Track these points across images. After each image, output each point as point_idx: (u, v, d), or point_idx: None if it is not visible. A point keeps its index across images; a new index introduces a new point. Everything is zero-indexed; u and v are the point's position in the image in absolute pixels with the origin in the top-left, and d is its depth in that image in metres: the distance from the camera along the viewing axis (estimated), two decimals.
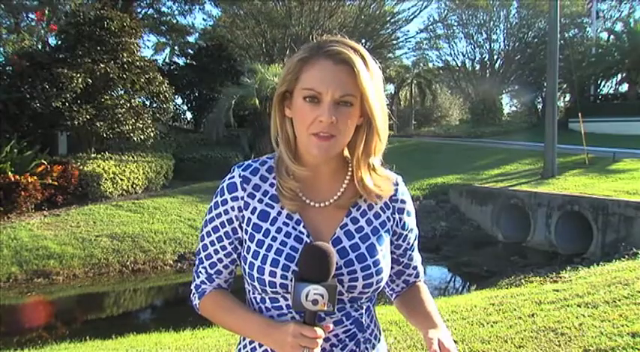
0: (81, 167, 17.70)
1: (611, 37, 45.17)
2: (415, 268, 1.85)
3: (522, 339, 5.12)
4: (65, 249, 14.09)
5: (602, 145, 26.44)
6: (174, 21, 38.90)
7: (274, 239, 1.55)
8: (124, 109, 19.67)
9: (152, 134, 20.82)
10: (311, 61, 1.55)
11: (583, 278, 8.54)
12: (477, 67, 53.01)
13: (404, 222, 1.77)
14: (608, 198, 14.94)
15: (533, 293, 7.21)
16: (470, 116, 53.98)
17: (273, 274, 1.53)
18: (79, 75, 18.04)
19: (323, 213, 1.62)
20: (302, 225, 1.58)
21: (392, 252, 1.73)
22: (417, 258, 1.85)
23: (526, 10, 47.22)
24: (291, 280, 1.45)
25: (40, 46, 21.71)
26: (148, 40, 40.99)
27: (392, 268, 1.73)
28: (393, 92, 63.15)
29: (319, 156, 1.52)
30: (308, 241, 1.54)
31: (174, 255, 14.94)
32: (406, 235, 1.77)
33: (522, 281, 10.81)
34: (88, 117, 18.35)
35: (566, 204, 15.92)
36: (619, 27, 45.88)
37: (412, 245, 1.82)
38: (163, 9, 37.43)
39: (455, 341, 5.28)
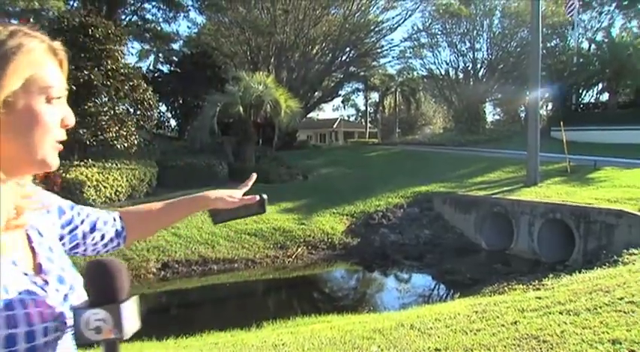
0: (64, 174, 17.53)
1: (592, 46, 45.77)
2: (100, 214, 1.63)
3: (505, 347, 5.15)
4: None
5: (583, 153, 26.72)
6: (159, 28, 38.91)
7: None
8: (107, 117, 19.59)
9: (136, 141, 20.74)
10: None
11: (565, 286, 8.61)
12: (461, 75, 53.41)
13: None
14: (590, 206, 15.09)
15: (516, 301, 7.25)
16: (454, 124, 54.37)
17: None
18: None
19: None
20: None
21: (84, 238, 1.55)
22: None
23: (509, 20, 47.78)
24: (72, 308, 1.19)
25: None
26: (133, 48, 40.91)
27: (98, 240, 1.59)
28: (377, 100, 63.55)
29: (56, 167, 1.26)
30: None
31: (158, 263, 14.85)
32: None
33: (505, 288, 10.88)
34: None
35: (549, 211, 16.05)
36: (600, 37, 46.52)
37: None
38: (148, 16, 37.46)
39: (438, 350, 5.31)
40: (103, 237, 1.60)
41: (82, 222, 1.54)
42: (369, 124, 69.25)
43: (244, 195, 1.83)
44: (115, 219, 1.65)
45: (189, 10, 38.24)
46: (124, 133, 19.93)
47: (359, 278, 17.00)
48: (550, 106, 53.80)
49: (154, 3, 35.92)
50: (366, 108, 72.83)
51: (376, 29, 45.66)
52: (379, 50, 48.55)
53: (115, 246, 1.66)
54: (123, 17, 34.66)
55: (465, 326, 6.09)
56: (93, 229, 1.57)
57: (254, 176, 1.86)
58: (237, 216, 1.86)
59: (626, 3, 46.61)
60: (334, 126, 73.46)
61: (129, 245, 1.75)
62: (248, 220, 18.28)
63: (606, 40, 42.45)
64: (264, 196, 1.83)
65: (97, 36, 19.67)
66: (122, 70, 20.61)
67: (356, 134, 70.21)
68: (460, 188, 22.23)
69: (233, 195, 1.81)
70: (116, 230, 1.64)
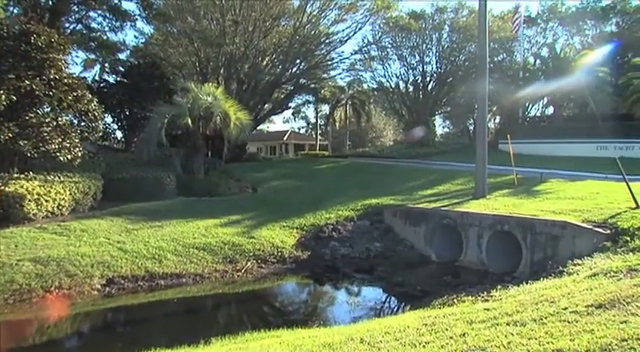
0: (2, 187, 16.96)
1: (538, 61, 47.28)
2: None
3: None
4: None
5: (530, 166, 27.51)
6: (105, 37, 38.12)
7: None
8: (50, 128, 19.08)
9: (80, 153, 20.26)
10: None
11: (512, 297, 8.81)
12: (411, 88, 54.25)
13: None
14: (536, 217, 15.50)
15: (465, 313, 7.37)
16: (404, 137, 55.15)
17: None
18: (1, 91, 17.40)
19: None
20: None
21: None
22: None
23: (457, 34, 48.90)
24: None
25: None
26: (77, 57, 39.94)
27: None
28: (328, 112, 63.89)
29: None
30: None
31: (103, 278, 14.47)
32: None
33: (455, 300, 11.04)
34: (10, 135, 17.68)
35: (497, 223, 16.42)
36: (545, 52, 48.12)
37: None
38: (93, 25, 36.64)
39: None
40: None
41: None
42: (319, 137, 69.55)
43: None
44: None
45: (136, 19, 37.61)
46: (68, 145, 19.44)
47: (309, 291, 16.95)
48: (498, 119, 55.29)
49: (99, 12, 35.21)
50: (317, 120, 73.23)
51: (326, 41, 46.02)
52: (329, 62, 48.92)
53: None
54: (67, 25, 33.87)
55: (414, 339, 6.16)
56: None
57: None
58: None
59: (568, 20, 48.54)
60: (284, 138, 73.54)
61: None
62: (196, 234, 18.08)
63: (550, 55, 43.90)
64: None
65: (39, 44, 19.18)
66: (66, 80, 20.11)
67: (306, 146, 70.43)
68: (410, 200, 22.52)
69: None
70: None
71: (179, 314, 14.07)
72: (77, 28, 35.59)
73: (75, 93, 20.34)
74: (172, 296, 14.47)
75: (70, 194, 19.04)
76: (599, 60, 38.21)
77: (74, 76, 21.84)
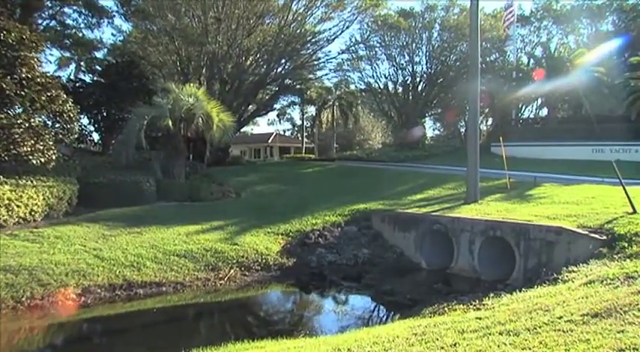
0: None
1: (532, 61, 47.53)
2: None
3: None
4: None
5: (523, 169, 27.67)
6: (80, 35, 37.93)
7: None
8: (21, 129, 18.87)
9: (54, 156, 20.06)
10: None
11: (505, 305, 8.82)
12: (400, 89, 54.37)
13: None
14: (530, 223, 15.58)
15: (456, 322, 7.36)
16: (393, 139, 55.23)
17: None
18: None
19: None
20: None
21: None
22: None
23: (448, 33, 49.05)
24: None
25: None
26: (51, 55, 39.82)
27: None
28: (314, 114, 63.88)
29: None
30: None
31: (78, 288, 14.32)
32: None
33: (446, 309, 11.04)
34: None
35: (489, 229, 16.47)
36: (539, 52, 48.41)
37: None
38: (68, 21, 36.43)
39: None
40: None
41: None
42: (305, 139, 69.56)
43: None
44: None
45: (114, 16, 37.50)
46: (41, 147, 19.25)
47: (295, 300, 16.90)
48: (490, 121, 55.56)
49: (74, 7, 35.01)
50: (303, 122, 73.19)
51: (313, 40, 46.05)
52: (316, 62, 48.98)
53: None
54: (40, 22, 33.65)
55: (403, 350, 6.13)
56: None
57: None
58: None
59: (562, 18, 48.76)
60: (269, 141, 73.48)
61: None
62: (177, 241, 17.97)
63: (545, 55, 44.16)
64: None
65: (10, 41, 18.97)
66: (39, 79, 19.93)
67: (292, 149, 70.41)
68: (399, 205, 22.55)
69: None
70: None
71: (159, 324, 13.95)
72: (51, 24, 35.39)
73: (49, 93, 20.16)
74: (152, 306, 14.35)
75: (44, 199, 18.84)
76: (595, 60, 38.51)
77: (48, 75, 21.64)
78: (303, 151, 63.34)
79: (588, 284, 8.69)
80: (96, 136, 35.51)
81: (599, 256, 11.83)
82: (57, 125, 21.54)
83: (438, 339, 6.38)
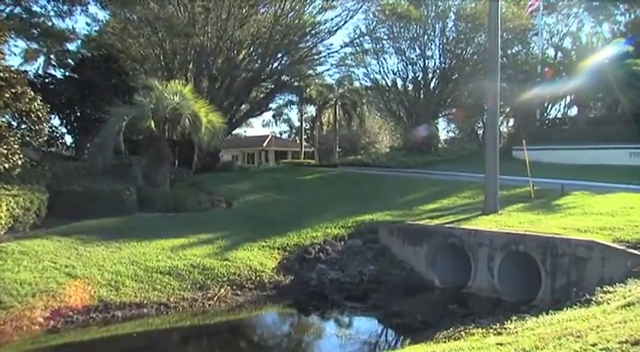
0: None
1: (559, 53, 47.21)
2: None
3: None
4: None
5: (549, 176, 27.55)
6: (50, 24, 37.79)
7: None
8: None
9: (20, 161, 19.94)
10: None
11: (530, 330, 8.71)
12: (410, 86, 54.25)
13: None
14: (557, 236, 15.46)
15: (474, 348, 7.28)
16: (402, 143, 55.15)
17: None
18: None
19: None
20: None
21: None
22: None
23: (464, 23, 48.78)
24: None
25: None
26: (16, 46, 39.72)
27: None
28: (314, 114, 63.93)
29: None
30: None
31: (46, 310, 14.23)
32: None
33: (462, 333, 10.94)
34: None
35: (511, 243, 16.35)
36: (567, 43, 48.09)
37: None
38: (35, 8, 36.18)
39: None
40: None
41: None
42: (304, 143, 69.64)
43: None
44: None
45: (89, 2, 37.39)
46: (5, 151, 19.14)
47: (293, 323, 16.86)
48: (511, 122, 55.44)
49: None
50: (301, 123, 73.35)
51: (312, 32, 46.07)
52: (316, 56, 49.01)
53: None
54: (2, 8, 33.57)
55: None
56: None
57: None
58: None
59: (596, 4, 48.10)
60: (264, 144, 73.55)
61: None
62: (160, 256, 17.90)
63: (574, 46, 43.86)
64: None
65: None
66: (1, 74, 19.84)
67: (290, 154, 70.53)
68: (409, 216, 22.49)
69: None
70: None
71: (139, 351, 13.88)
72: (15, 11, 35.24)
73: (13, 90, 20.05)
74: (131, 330, 14.27)
75: (8, 210, 18.74)
76: (633, 51, 38.22)
77: (12, 69, 21.59)
78: (302, 156, 63.44)
79: (626, 307, 8.58)
80: (68, 139, 35.52)
81: (638, 275, 11.71)
82: (23, 126, 21.45)
83: None
